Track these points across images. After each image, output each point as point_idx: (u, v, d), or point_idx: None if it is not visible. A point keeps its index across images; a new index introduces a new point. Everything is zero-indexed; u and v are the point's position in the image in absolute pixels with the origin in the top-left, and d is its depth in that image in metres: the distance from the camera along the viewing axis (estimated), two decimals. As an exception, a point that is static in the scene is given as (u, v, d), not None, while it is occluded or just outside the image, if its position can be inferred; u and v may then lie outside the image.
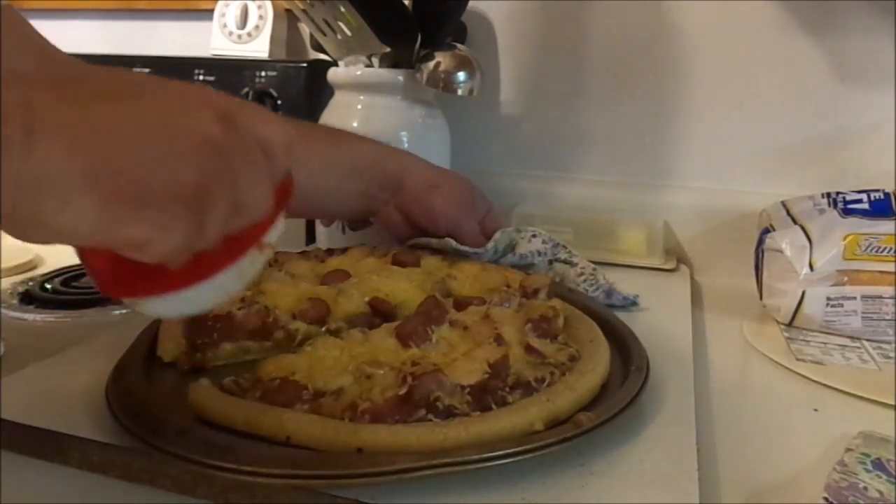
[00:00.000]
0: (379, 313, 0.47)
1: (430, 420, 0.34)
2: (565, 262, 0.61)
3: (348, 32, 0.68)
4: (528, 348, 0.40)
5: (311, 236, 0.79)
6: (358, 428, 0.33)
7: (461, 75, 0.69)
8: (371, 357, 0.38)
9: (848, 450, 0.36)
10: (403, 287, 0.49)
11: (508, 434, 0.34)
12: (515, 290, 0.49)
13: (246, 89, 0.78)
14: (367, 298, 0.48)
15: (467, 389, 0.36)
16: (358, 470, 0.31)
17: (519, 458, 0.32)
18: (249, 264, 0.30)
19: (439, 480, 0.32)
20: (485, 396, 0.36)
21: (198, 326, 0.43)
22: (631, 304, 0.59)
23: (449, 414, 0.35)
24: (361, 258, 0.56)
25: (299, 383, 0.36)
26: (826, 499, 0.32)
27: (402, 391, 0.35)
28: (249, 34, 0.87)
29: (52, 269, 0.66)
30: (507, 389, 0.37)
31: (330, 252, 0.58)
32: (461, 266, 0.55)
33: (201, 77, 0.80)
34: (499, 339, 0.40)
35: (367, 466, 0.31)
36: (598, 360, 0.41)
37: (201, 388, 0.37)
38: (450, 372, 0.36)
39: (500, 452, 0.32)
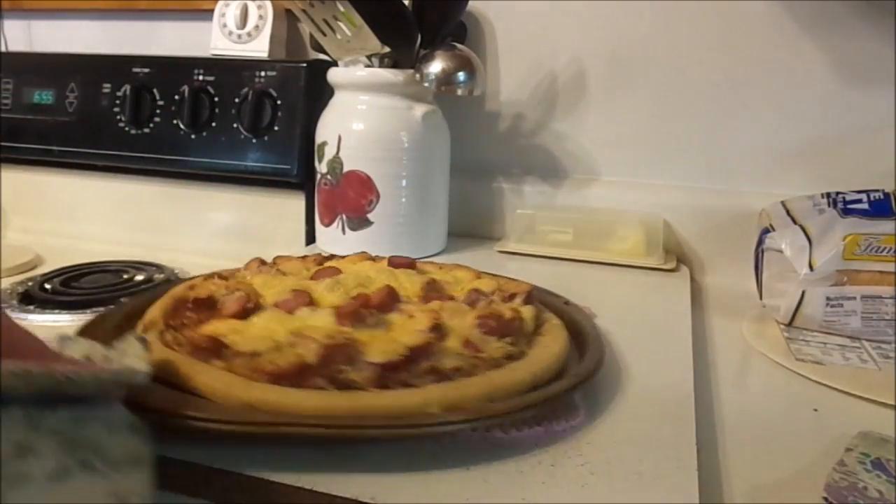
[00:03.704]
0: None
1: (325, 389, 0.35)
2: None
3: (348, 32, 0.68)
4: (467, 342, 0.40)
5: (311, 237, 0.79)
6: (253, 385, 0.35)
7: (461, 75, 0.69)
8: (302, 329, 0.39)
9: (847, 449, 0.36)
10: (396, 285, 0.49)
11: (399, 412, 0.34)
12: (492, 293, 0.49)
13: (246, 89, 0.78)
14: (353, 294, 0.47)
15: (375, 367, 0.36)
16: (232, 417, 0.33)
17: (355, 432, 0.33)
18: None
19: (438, 480, 0.32)
20: (388, 375, 0.36)
21: (177, 310, 0.44)
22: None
23: (346, 387, 0.36)
24: (358, 261, 0.56)
25: (222, 342, 0.38)
26: (826, 499, 0.32)
27: (310, 359, 0.36)
28: (249, 34, 0.87)
29: (51, 269, 0.66)
30: (420, 374, 0.37)
31: (329, 257, 0.58)
32: (455, 272, 0.55)
33: (201, 77, 0.80)
34: (436, 329, 0.40)
35: (248, 417, 0.33)
36: (534, 363, 0.40)
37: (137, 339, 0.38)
38: (366, 349, 0.37)
39: (345, 424, 0.33)
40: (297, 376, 0.36)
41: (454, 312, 0.43)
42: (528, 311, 0.46)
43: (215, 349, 0.38)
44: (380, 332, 0.40)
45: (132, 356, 0.32)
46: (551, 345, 0.43)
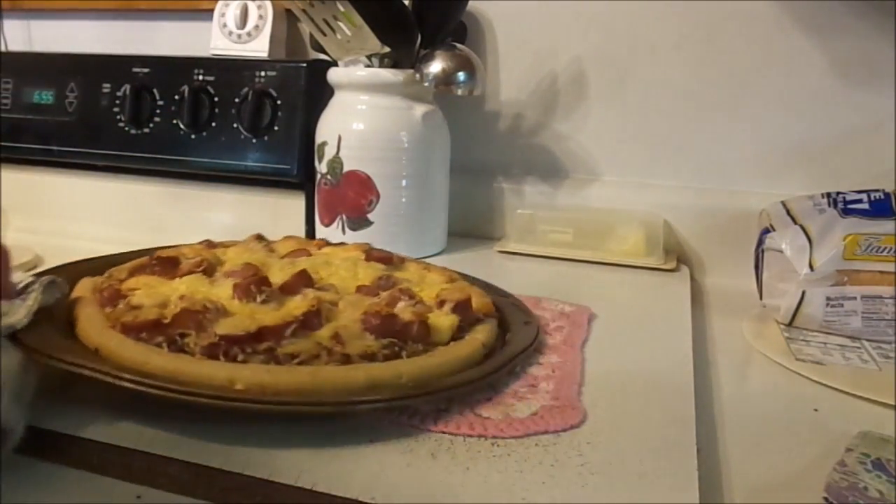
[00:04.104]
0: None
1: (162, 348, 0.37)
2: None
3: (348, 32, 0.68)
4: (336, 334, 0.39)
5: (311, 237, 0.79)
6: (105, 333, 0.38)
7: (461, 75, 0.69)
8: (188, 295, 0.41)
9: (848, 450, 0.36)
10: (343, 275, 0.50)
11: (206, 382, 0.35)
12: (435, 296, 0.47)
13: (245, 89, 0.78)
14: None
15: (216, 337, 0.37)
16: (73, 358, 0.35)
17: (149, 389, 0.34)
18: None
19: (438, 480, 0.32)
20: (223, 347, 0.37)
21: (145, 266, 0.48)
22: None
23: (179, 350, 0.37)
24: (352, 251, 0.56)
25: (121, 292, 0.43)
26: (826, 499, 0.32)
27: (167, 319, 0.38)
28: (249, 34, 0.87)
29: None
30: (254, 353, 0.37)
31: (339, 244, 0.59)
32: (430, 275, 0.54)
33: (201, 77, 0.80)
34: (310, 314, 0.40)
35: (92, 363, 0.35)
36: (383, 367, 0.38)
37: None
38: (221, 319, 0.39)
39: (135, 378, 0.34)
40: (146, 331, 0.38)
41: (351, 305, 0.43)
42: (446, 320, 0.44)
43: (112, 298, 0.42)
44: (261, 308, 0.41)
45: (23, 307, 0.37)
46: (436, 357, 0.41)
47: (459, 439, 0.36)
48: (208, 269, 0.47)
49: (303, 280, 0.46)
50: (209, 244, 0.54)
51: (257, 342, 0.38)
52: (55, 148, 0.86)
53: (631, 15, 0.79)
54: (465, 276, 0.56)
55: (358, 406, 0.36)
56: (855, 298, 0.55)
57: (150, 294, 0.42)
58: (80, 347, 0.39)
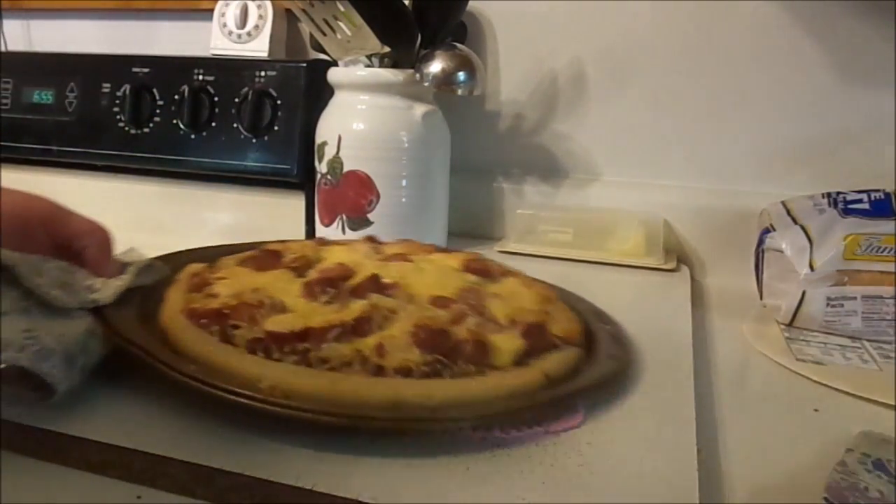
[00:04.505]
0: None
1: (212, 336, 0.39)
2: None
3: (348, 32, 0.68)
4: (379, 345, 0.38)
5: (311, 237, 0.79)
6: (175, 317, 0.41)
7: (461, 75, 0.69)
8: (261, 288, 0.43)
9: (848, 450, 0.36)
10: (429, 283, 0.47)
11: (237, 375, 0.36)
12: (501, 317, 0.44)
13: (245, 89, 0.78)
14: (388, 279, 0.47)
15: (262, 333, 0.38)
16: (134, 338, 0.39)
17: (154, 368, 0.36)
18: None
19: (438, 480, 0.32)
20: (264, 343, 0.38)
21: (249, 258, 0.50)
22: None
23: (226, 341, 0.39)
24: (453, 259, 0.53)
25: (208, 280, 0.45)
26: (826, 499, 0.32)
27: (225, 310, 0.40)
28: (249, 34, 0.87)
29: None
30: (290, 353, 0.38)
31: (445, 251, 0.56)
32: (524, 292, 0.49)
33: (201, 77, 0.80)
34: (360, 321, 0.39)
35: (155, 344, 0.39)
36: (409, 384, 0.36)
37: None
38: (273, 316, 0.40)
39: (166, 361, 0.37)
40: (207, 318, 0.40)
41: (409, 315, 0.41)
42: (509, 342, 0.41)
43: (199, 285, 0.44)
44: (321, 308, 0.41)
45: (113, 286, 0.42)
46: (478, 382, 0.38)
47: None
48: (301, 267, 0.48)
49: (371, 284, 0.44)
50: (320, 242, 0.54)
51: (299, 342, 0.38)
52: (55, 148, 0.86)
53: (631, 15, 0.79)
54: (571, 296, 0.54)
55: (364, 422, 0.34)
56: (855, 298, 0.55)
57: (232, 284, 0.44)
58: (146, 326, 0.41)
